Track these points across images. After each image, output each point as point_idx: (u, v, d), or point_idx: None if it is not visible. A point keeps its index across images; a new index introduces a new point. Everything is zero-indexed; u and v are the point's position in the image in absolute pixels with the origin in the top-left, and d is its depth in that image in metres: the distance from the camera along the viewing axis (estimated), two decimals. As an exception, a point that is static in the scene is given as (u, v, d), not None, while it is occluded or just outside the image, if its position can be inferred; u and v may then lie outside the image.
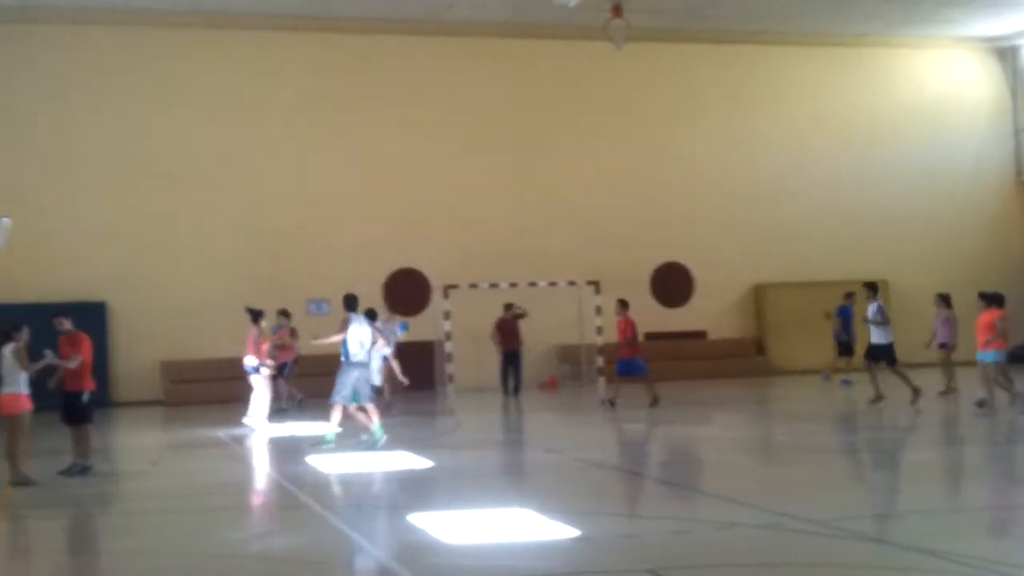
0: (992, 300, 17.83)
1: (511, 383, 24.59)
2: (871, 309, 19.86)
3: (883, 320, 19.65)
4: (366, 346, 15.91)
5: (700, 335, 29.40)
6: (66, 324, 14.18)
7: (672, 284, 28.76)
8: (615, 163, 28.99)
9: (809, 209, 30.23)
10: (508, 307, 24.90)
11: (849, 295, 24.77)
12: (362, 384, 15.78)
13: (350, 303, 16.15)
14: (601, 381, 24.45)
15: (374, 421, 15.75)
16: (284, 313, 21.68)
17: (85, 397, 13.95)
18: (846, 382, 23.62)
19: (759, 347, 29.34)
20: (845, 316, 24.56)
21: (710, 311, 29.05)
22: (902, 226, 30.66)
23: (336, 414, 15.82)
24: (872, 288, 20.30)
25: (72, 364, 13.79)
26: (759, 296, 29.74)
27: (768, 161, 30.24)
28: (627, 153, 29.11)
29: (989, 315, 17.66)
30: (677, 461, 15.54)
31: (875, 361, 19.90)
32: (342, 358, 15.81)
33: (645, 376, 20.70)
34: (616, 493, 12.56)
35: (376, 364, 18.12)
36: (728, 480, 13.03)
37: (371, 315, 17.45)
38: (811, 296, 27.93)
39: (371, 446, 15.56)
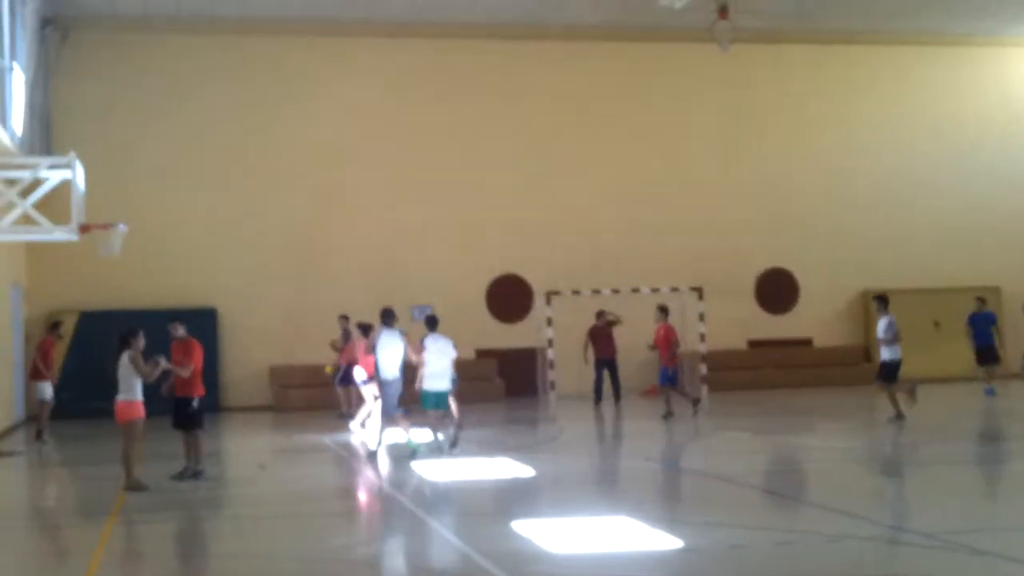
0: None
1: (610, 390, 24.34)
2: (881, 325, 18.99)
3: (892, 338, 18.81)
4: (398, 362, 16.17)
5: (806, 342, 28.95)
6: (180, 330, 14.49)
7: (776, 290, 28.48)
8: (720, 168, 28.64)
9: (917, 213, 29.55)
10: (600, 314, 24.63)
11: (980, 299, 24.07)
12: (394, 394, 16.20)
13: (387, 317, 16.47)
14: (704, 389, 24.22)
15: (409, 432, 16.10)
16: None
17: (195, 403, 14.19)
18: (989, 391, 22.99)
19: (866, 354, 28.79)
20: (981, 322, 23.80)
21: (816, 318, 28.64)
22: (1014, 231, 29.82)
23: (404, 423, 16.24)
24: (882, 301, 19.28)
25: (185, 373, 14.07)
26: (866, 303, 29.16)
27: (875, 164, 29.63)
28: (732, 158, 28.74)
29: None
30: (782, 471, 15.31)
31: (888, 381, 18.99)
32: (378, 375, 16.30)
33: (675, 387, 21.01)
34: (719, 503, 12.42)
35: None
36: (836, 491, 12.78)
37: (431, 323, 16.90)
38: (920, 303, 27.35)
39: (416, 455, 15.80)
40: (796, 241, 28.65)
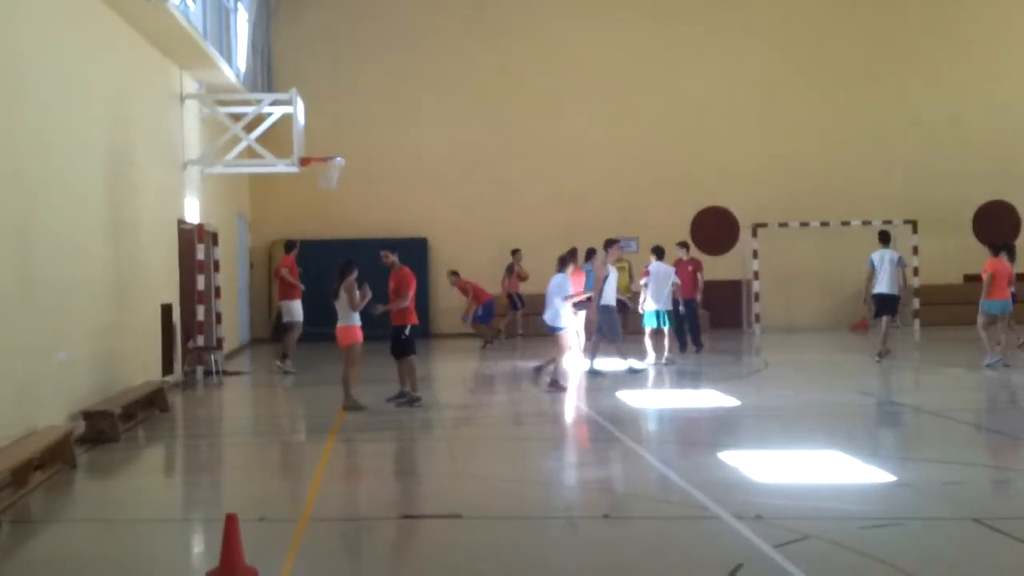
0: None
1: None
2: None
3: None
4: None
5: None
6: (391, 257, 14.82)
7: (996, 224, 27.22)
8: (934, 99, 27.42)
9: None
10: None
11: None
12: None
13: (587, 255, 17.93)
14: (916, 324, 23.52)
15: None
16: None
17: (407, 331, 14.50)
18: None
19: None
20: None
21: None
22: None
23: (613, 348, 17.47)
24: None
25: (403, 304, 14.44)
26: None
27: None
28: (946, 88, 27.45)
29: None
30: (1002, 408, 14.81)
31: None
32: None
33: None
34: (934, 439, 12.12)
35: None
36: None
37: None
38: None
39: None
40: (1019, 174, 27.25)
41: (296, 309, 19.14)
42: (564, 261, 16.58)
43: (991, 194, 26.96)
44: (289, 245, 20.01)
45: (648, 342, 18.93)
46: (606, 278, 17.63)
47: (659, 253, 19.23)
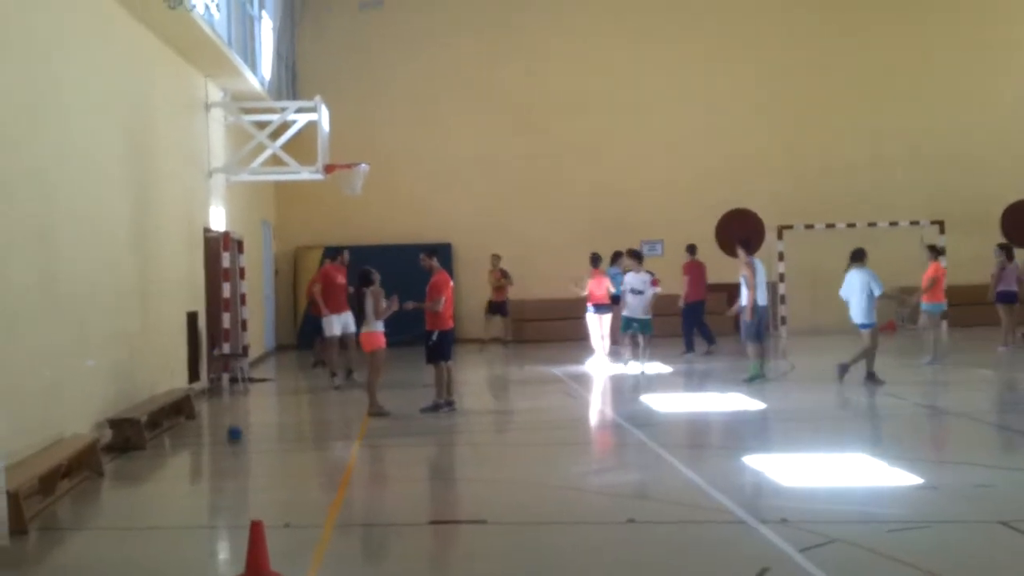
0: None
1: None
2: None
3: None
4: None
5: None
6: (428, 261, 14.61)
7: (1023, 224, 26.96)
8: (962, 94, 27.27)
9: None
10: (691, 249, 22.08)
11: None
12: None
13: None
14: (944, 325, 23.31)
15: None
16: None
17: (435, 336, 14.44)
18: None
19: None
20: None
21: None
22: None
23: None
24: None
25: (434, 308, 14.36)
26: None
27: None
28: (977, 82, 27.30)
29: None
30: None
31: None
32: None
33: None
34: (962, 441, 12.04)
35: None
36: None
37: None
38: None
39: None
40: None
41: (329, 324, 18.23)
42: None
43: (1018, 194, 26.75)
44: (331, 254, 19.33)
45: (628, 345, 18.94)
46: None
47: (638, 257, 19.11)
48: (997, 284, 20.29)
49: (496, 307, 24.69)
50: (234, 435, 12.75)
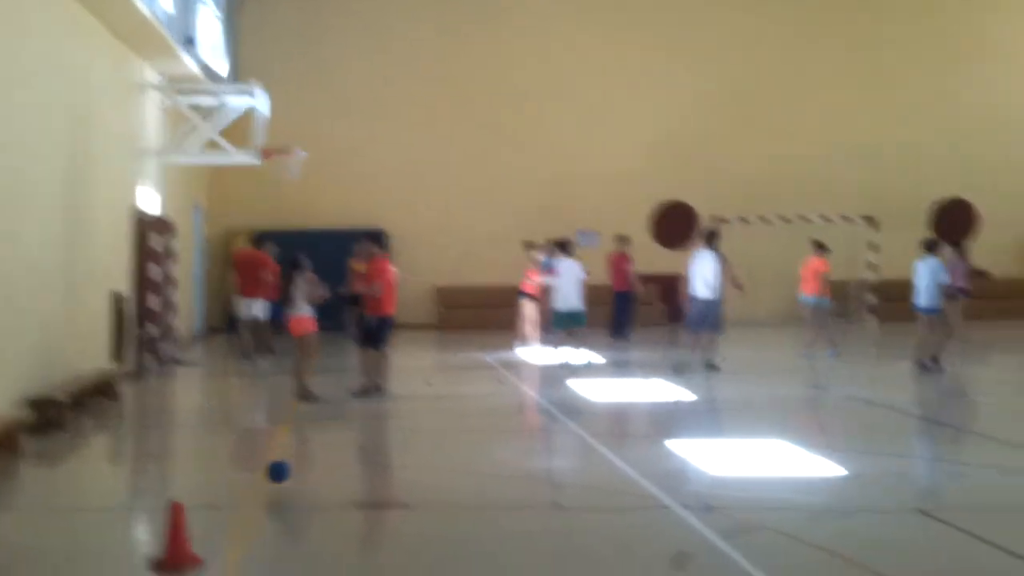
0: None
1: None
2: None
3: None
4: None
5: (981, 274, 27.82)
6: (370, 248, 14.91)
7: (952, 221, 27.36)
8: (898, 95, 27.65)
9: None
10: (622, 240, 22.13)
11: None
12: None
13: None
14: (873, 319, 23.68)
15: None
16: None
17: (374, 322, 14.45)
18: None
19: (1049, 287, 27.56)
20: None
21: (996, 249, 27.48)
22: None
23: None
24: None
25: (372, 293, 14.37)
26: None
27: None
28: (915, 84, 27.70)
29: None
30: (954, 402, 14.93)
31: None
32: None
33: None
34: (884, 432, 12.20)
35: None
36: (1016, 425, 12.37)
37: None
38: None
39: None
40: (975, 170, 27.45)
41: (248, 306, 18.89)
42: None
43: (947, 190, 27.17)
44: (260, 239, 19.55)
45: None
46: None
47: (566, 248, 18.52)
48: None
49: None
50: (278, 474, 9.23)
